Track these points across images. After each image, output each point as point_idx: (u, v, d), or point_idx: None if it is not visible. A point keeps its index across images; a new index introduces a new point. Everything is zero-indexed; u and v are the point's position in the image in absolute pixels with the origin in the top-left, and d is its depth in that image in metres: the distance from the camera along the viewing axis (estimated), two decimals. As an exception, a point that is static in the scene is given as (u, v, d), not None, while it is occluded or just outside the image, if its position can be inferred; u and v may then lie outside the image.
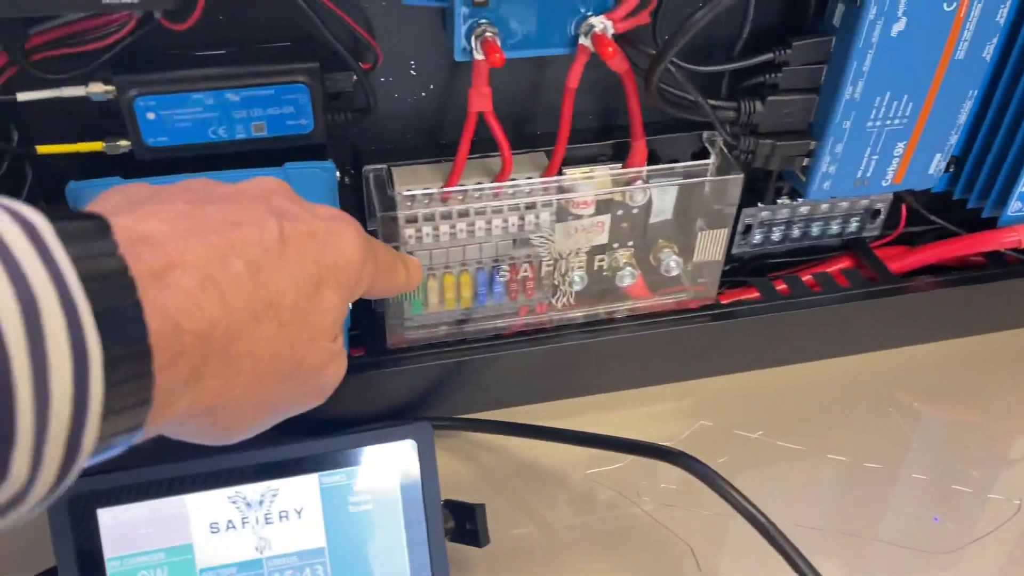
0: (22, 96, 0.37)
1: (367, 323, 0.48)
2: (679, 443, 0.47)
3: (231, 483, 0.35)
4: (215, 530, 0.35)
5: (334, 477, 0.36)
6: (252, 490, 0.35)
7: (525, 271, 0.46)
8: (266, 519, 0.35)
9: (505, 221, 0.44)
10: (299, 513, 0.36)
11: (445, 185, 0.43)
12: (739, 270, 0.55)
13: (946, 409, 0.52)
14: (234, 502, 0.35)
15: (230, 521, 0.35)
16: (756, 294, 0.52)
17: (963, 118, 0.46)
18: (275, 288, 0.26)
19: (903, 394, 0.52)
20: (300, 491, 0.35)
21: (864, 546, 0.43)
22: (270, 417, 0.29)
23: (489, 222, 0.44)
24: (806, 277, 0.54)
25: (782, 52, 0.43)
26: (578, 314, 0.49)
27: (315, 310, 0.27)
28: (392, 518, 0.36)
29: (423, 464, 0.36)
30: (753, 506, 0.37)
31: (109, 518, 0.34)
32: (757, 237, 0.53)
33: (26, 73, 0.36)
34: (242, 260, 0.25)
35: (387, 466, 0.36)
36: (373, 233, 0.44)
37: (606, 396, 0.50)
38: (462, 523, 0.38)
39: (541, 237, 0.45)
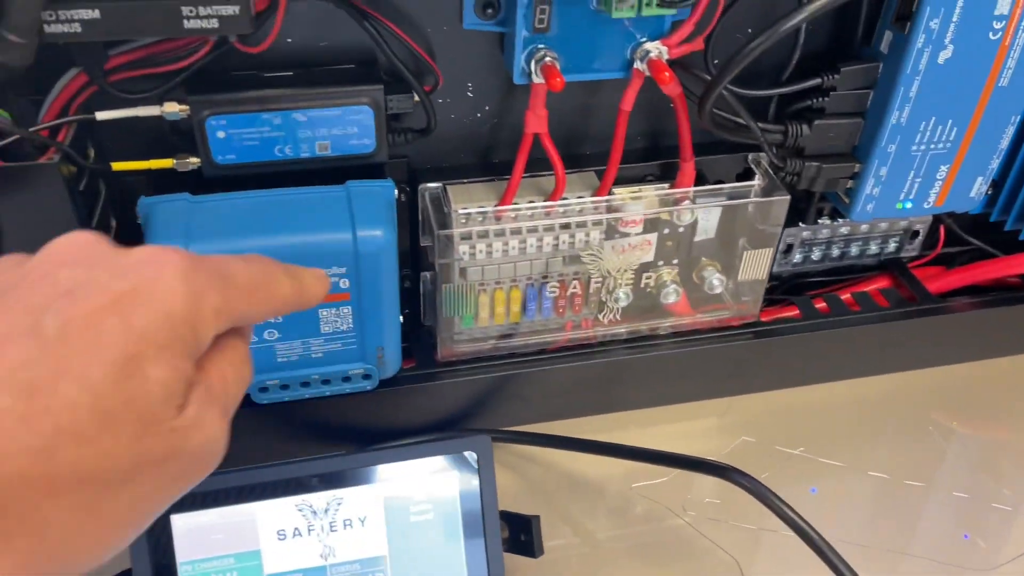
0: (101, 115, 0.38)
1: (416, 336, 0.49)
2: (722, 458, 0.48)
3: (298, 492, 0.36)
4: (282, 537, 0.36)
5: (396, 487, 0.37)
6: (318, 499, 0.36)
7: (574, 287, 0.47)
8: (331, 527, 0.36)
9: (556, 238, 0.45)
10: (362, 522, 0.37)
11: (499, 203, 0.44)
12: (778, 288, 0.56)
13: (982, 428, 0.53)
14: (300, 510, 0.36)
15: (296, 529, 0.36)
16: (796, 312, 0.53)
17: (1005, 143, 0.47)
18: (63, 403, 0.21)
19: (940, 413, 0.53)
20: (364, 500, 0.37)
21: (904, 562, 0.44)
22: (128, 531, 0.24)
23: (540, 239, 0.45)
24: (845, 296, 0.55)
25: (830, 77, 0.44)
26: (622, 330, 0.50)
27: (134, 397, 0.22)
28: (451, 527, 0.37)
29: (482, 475, 0.37)
30: (803, 520, 0.38)
31: (182, 524, 0.35)
32: (797, 256, 0.54)
33: (102, 92, 0.38)
34: (6, 392, 0.21)
35: (448, 477, 0.37)
36: (427, 249, 0.45)
37: (648, 411, 0.51)
38: (517, 534, 0.39)
39: (590, 254, 0.46)
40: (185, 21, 0.34)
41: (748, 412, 0.51)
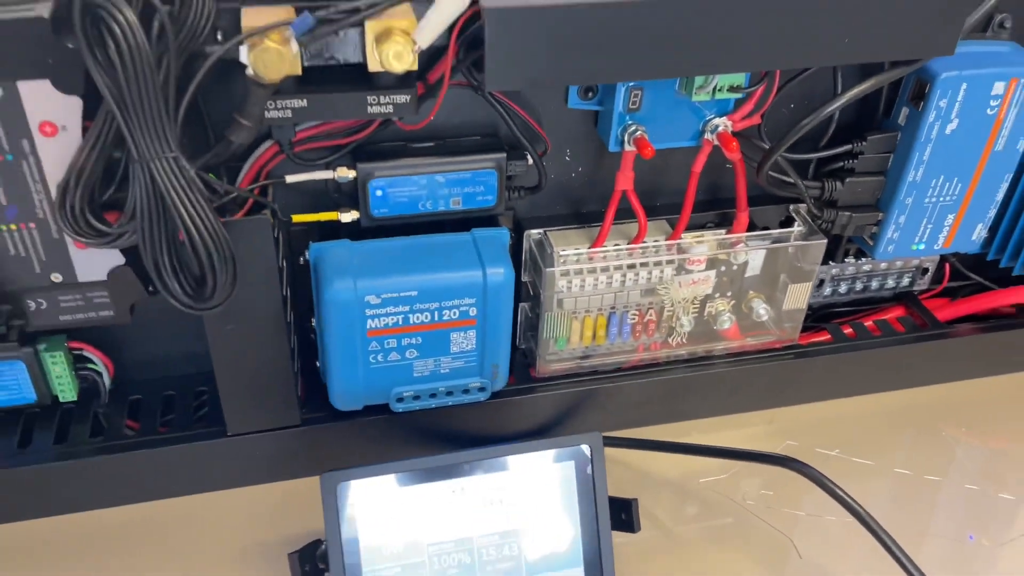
0: (290, 179, 0.48)
1: (514, 358, 0.58)
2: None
3: (451, 476, 0.45)
4: (439, 511, 0.45)
5: (527, 475, 0.46)
6: (467, 483, 0.45)
7: (649, 315, 0.57)
8: (476, 505, 0.46)
9: (636, 275, 0.55)
10: (501, 502, 0.46)
11: (592, 246, 0.54)
12: (811, 316, 0.65)
13: (985, 437, 0.62)
14: (455, 490, 0.45)
15: (451, 505, 0.45)
16: (828, 336, 0.63)
17: (1000, 195, 0.57)
18: None
19: (949, 422, 0.62)
20: (501, 485, 0.46)
21: (927, 542, 0.53)
22: None
23: (624, 275, 0.55)
24: (868, 323, 0.65)
25: (859, 143, 0.54)
26: (684, 352, 0.60)
27: None
28: (570, 507, 0.47)
29: (595, 464, 0.47)
30: (854, 500, 0.47)
31: (364, 500, 0.44)
32: (827, 290, 0.64)
33: (288, 160, 0.48)
34: None
35: (567, 466, 0.47)
36: (528, 284, 0.55)
37: (706, 420, 0.61)
38: (619, 514, 0.48)
39: (663, 287, 0.56)
40: (369, 107, 0.44)
41: (790, 421, 0.61)
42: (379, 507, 0.45)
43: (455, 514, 0.46)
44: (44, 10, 0.39)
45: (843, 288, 0.64)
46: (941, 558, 0.52)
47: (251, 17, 0.41)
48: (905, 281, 0.65)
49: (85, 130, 0.42)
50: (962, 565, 0.52)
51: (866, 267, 0.63)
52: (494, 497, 0.46)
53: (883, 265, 0.64)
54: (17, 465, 0.50)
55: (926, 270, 0.65)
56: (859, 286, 0.65)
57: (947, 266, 0.65)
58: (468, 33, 0.43)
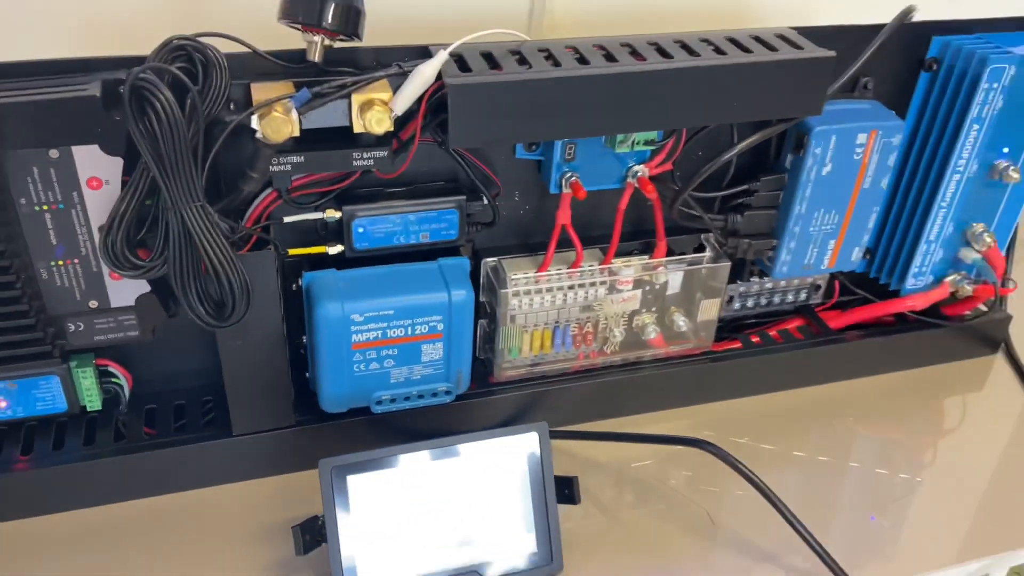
0: (287, 219, 0.58)
1: (475, 366, 0.68)
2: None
3: (424, 460, 0.55)
4: (415, 488, 0.55)
5: (488, 457, 0.56)
6: (439, 465, 0.55)
7: (587, 328, 0.68)
8: (445, 482, 0.56)
9: (575, 294, 0.66)
10: (465, 480, 0.56)
11: (538, 271, 0.65)
12: (724, 328, 0.77)
13: (873, 426, 0.74)
14: (428, 471, 0.55)
15: (425, 483, 0.55)
16: (739, 344, 0.74)
17: (871, 224, 0.70)
18: None
19: (841, 414, 0.74)
20: (467, 465, 0.56)
21: (820, 514, 0.65)
22: None
23: (565, 295, 0.66)
24: (773, 332, 0.76)
25: (754, 183, 0.66)
26: (618, 358, 0.71)
27: None
28: (523, 483, 0.57)
29: (543, 448, 0.57)
30: (756, 476, 0.58)
31: (355, 481, 0.54)
32: (736, 304, 0.76)
33: (285, 203, 0.58)
34: None
35: (520, 450, 0.57)
36: (484, 303, 0.66)
37: (637, 416, 0.72)
38: (563, 490, 0.59)
39: (597, 304, 0.67)
40: (354, 161, 0.55)
41: (707, 416, 0.72)
42: (367, 486, 0.54)
43: (428, 491, 0.56)
44: (95, 89, 0.48)
45: (750, 303, 0.76)
46: (826, 520, 0.63)
47: (259, 92, 0.52)
48: (803, 296, 0.77)
49: (123, 183, 0.52)
50: (843, 531, 0.63)
51: (768, 285, 0.75)
52: (460, 477, 0.56)
53: (782, 283, 0.75)
54: (51, 465, 0.59)
55: (819, 287, 0.77)
56: (764, 301, 0.76)
57: (837, 283, 0.77)
58: (434, 100, 0.54)
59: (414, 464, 0.55)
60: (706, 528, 0.62)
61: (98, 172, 0.51)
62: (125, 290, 0.56)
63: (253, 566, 0.58)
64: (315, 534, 0.55)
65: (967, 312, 0.79)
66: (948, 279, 0.75)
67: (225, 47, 0.51)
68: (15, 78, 0.49)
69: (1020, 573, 0.98)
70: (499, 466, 0.57)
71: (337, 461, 0.54)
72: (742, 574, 0.59)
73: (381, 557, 0.54)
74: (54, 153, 0.50)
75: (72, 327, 0.56)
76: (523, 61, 0.55)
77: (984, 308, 0.79)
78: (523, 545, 0.57)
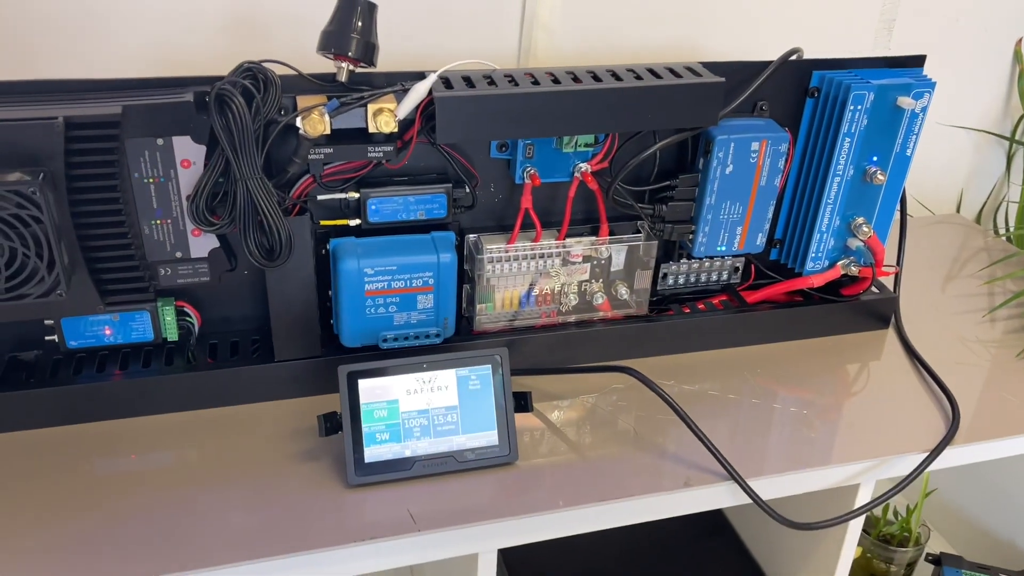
0: (320, 197, 0.79)
1: (460, 322, 0.88)
2: (629, 384, 0.87)
3: (416, 371, 0.75)
4: (409, 393, 0.75)
5: (463, 371, 0.76)
6: (426, 376, 0.75)
7: (546, 292, 0.88)
8: (431, 389, 0.75)
9: (537, 263, 0.86)
10: (446, 388, 0.76)
11: (508, 244, 0.85)
12: (661, 301, 0.96)
13: (773, 380, 0.92)
14: (418, 380, 0.75)
15: (416, 389, 0.75)
16: (672, 312, 0.94)
17: (770, 214, 0.89)
18: None
19: (752, 369, 0.93)
20: (447, 378, 0.76)
21: (723, 431, 0.83)
22: None
23: (529, 264, 0.86)
24: (700, 305, 0.96)
25: (675, 180, 0.86)
26: (572, 318, 0.90)
27: None
28: (487, 393, 0.76)
29: (503, 367, 0.77)
30: (669, 397, 0.77)
31: (364, 384, 0.74)
32: (670, 281, 0.95)
33: (319, 186, 0.79)
34: None
35: (487, 367, 0.77)
36: (467, 270, 0.86)
37: (587, 365, 0.91)
38: (519, 401, 0.78)
39: (554, 273, 0.87)
40: (368, 153, 0.76)
41: (643, 366, 0.91)
42: (373, 388, 0.74)
43: (419, 395, 0.75)
44: (189, 96, 0.70)
45: (681, 280, 0.95)
46: (728, 435, 0.82)
47: (303, 101, 0.73)
48: (725, 276, 0.97)
49: (205, 164, 0.73)
50: (740, 444, 0.82)
51: (695, 265, 0.95)
52: (442, 385, 0.76)
53: (707, 263, 0.95)
54: (140, 377, 0.79)
55: (738, 268, 0.97)
56: (693, 279, 0.96)
57: (752, 266, 0.97)
58: (428, 111, 0.75)
59: (409, 373, 0.75)
60: (630, 437, 0.81)
61: (189, 156, 0.72)
62: (201, 245, 0.77)
63: (288, 453, 0.77)
64: (334, 424, 0.74)
65: (861, 292, 0.97)
66: (840, 263, 0.94)
67: (280, 71, 0.72)
68: (133, 89, 0.71)
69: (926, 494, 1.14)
70: (472, 379, 0.76)
71: (351, 367, 0.74)
72: (655, 470, 0.78)
73: (382, 442, 0.74)
74: (160, 141, 0.71)
75: (163, 271, 0.77)
76: (492, 83, 0.76)
77: (876, 290, 0.98)
78: (488, 440, 0.76)
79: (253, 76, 0.70)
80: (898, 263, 1.00)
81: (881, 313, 0.99)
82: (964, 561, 1.10)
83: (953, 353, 0.97)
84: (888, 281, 1.01)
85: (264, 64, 0.71)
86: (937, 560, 1.09)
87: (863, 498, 0.84)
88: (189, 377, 0.80)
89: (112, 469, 0.75)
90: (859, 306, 0.98)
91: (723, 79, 0.79)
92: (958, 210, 1.42)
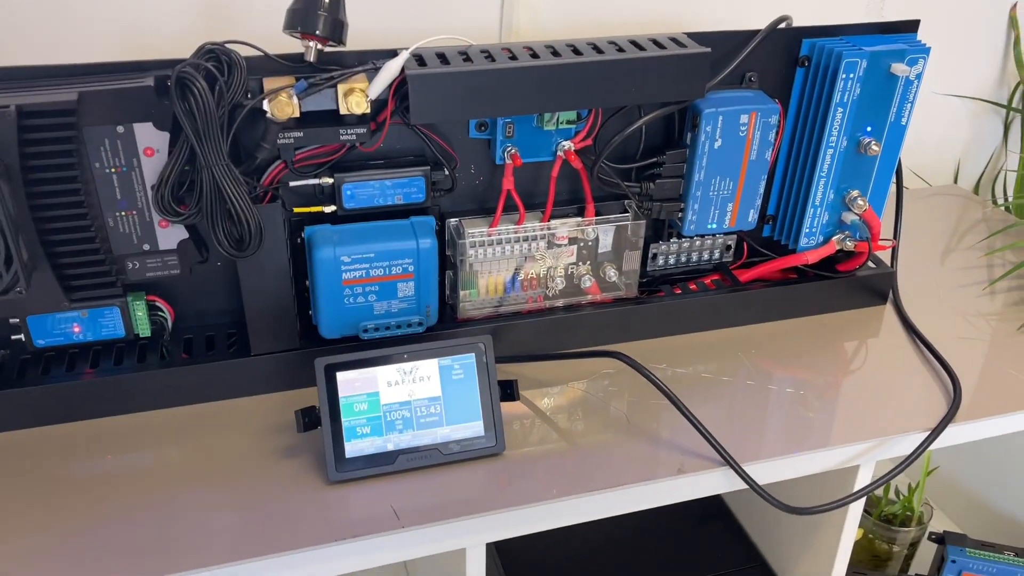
0: (292, 183, 0.76)
1: (444, 311, 0.85)
2: (618, 372, 0.85)
3: (397, 362, 0.72)
4: (390, 384, 0.72)
5: (446, 360, 0.73)
6: (407, 366, 0.72)
7: (532, 275, 0.85)
8: (412, 380, 0.73)
9: (521, 247, 0.83)
10: (428, 378, 0.73)
11: (491, 227, 0.82)
12: (652, 282, 0.93)
13: (769, 360, 0.90)
14: (399, 371, 0.72)
15: (397, 381, 0.72)
16: (662, 294, 0.91)
17: (761, 189, 0.86)
18: None
19: (745, 349, 0.90)
20: (429, 368, 0.73)
21: (717, 415, 0.80)
22: None
23: (512, 247, 0.83)
24: (692, 285, 0.93)
25: (662, 156, 0.83)
26: (560, 303, 0.87)
27: None
28: (472, 383, 0.74)
29: (487, 356, 0.74)
30: (661, 381, 0.75)
31: (342, 377, 0.71)
32: (660, 261, 0.92)
33: (291, 172, 0.75)
34: None
35: (470, 356, 0.74)
36: (450, 256, 0.83)
37: (576, 351, 0.88)
38: (506, 390, 0.75)
39: (540, 256, 0.84)
40: (340, 135, 0.73)
41: (633, 349, 0.88)
42: (352, 380, 0.71)
43: (401, 386, 0.72)
44: (150, 81, 0.67)
45: (672, 260, 0.93)
46: (721, 419, 0.79)
47: (270, 83, 0.70)
48: (716, 255, 0.94)
49: (169, 152, 0.70)
50: (734, 428, 0.79)
51: (685, 244, 0.92)
52: (424, 375, 0.73)
53: (697, 242, 0.92)
54: (112, 375, 0.77)
55: (729, 247, 0.94)
56: (683, 259, 0.93)
57: (745, 244, 0.94)
58: (402, 90, 0.72)
59: (389, 364, 0.72)
60: (621, 425, 0.78)
61: (152, 143, 0.69)
62: (169, 236, 0.74)
63: (265, 450, 0.74)
64: (312, 418, 0.71)
65: (858, 267, 0.95)
66: (835, 238, 0.91)
67: (245, 52, 0.69)
68: (92, 75, 0.68)
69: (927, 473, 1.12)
70: (456, 368, 0.74)
71: (328, 360, 0.71)
72: (649, 457, 0.75)
73: (363, 436, 0.71)
74: (120, 128, 0.68)
75: (130, 265, 0.74)
76: (468, 59, 0.73)
77: (873, 265, 0.95)
78: (474, 431, 0.73)
79: (216, 58, 0.67)
80: (894, 236, 0.97)
81: (878, 288, 0.96)
82: (968, 539, 1.07)
83: (953, 328, 0.94)
84: (885, 256, 0.98)
85: (228, 45, 0.67)
86: (940, 539, 1.07)
87: (863, 480, 0.82)
88: (163, 374, 0.78)
89: (87, 472, 0.72)
90: (855, 282, 0.95)
91: (709, 49, 0.76)
92: (955, 181, 1.39)
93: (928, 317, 0.95)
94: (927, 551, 1.13)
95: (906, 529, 1.10)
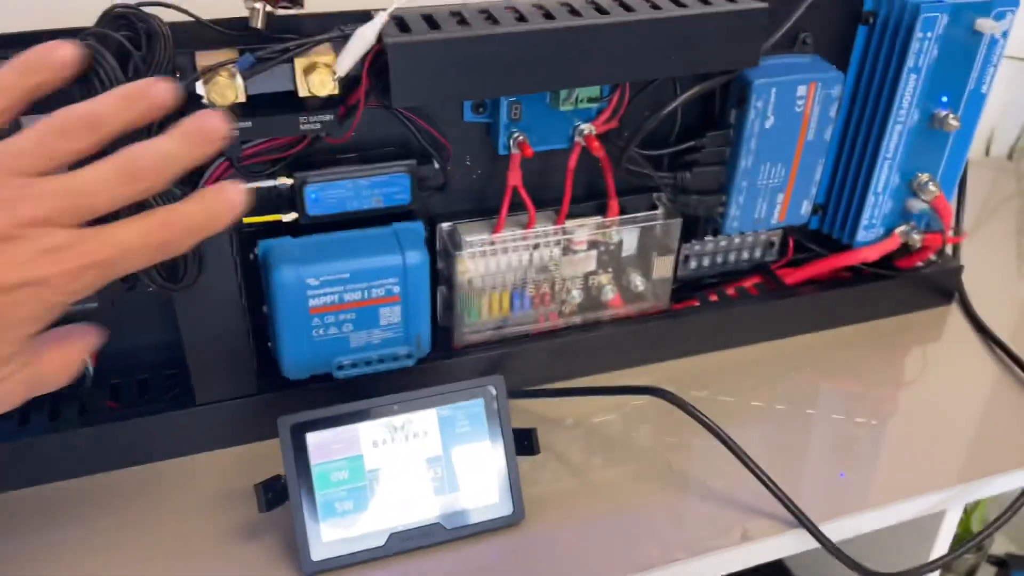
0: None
1: (437, 334, 0.69)
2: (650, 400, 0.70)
3: (384, 416, 0.56)
4: (375, 444, 0.56)
5: (446, 410, 0.57)
6: (398, 420, 0.57)
7: (544, 289, 0.69)
8: (405, 438, 0.57)
9: (530, 255, 0.67)
10: (425, 434, 0.57)
11: (493, 233, 0.66)
12: (683, 288, 0.78)
13: (832, 378, 0.75)
14: (387, 428, 0.56)
15: (385, 440, 0.56)
16: (696, 303, 0.76)
17: (818, 175, 0.71)
18: None
19: (797, 365, 0.75)
20: (426, 420, 0.57)
21: (776, 457, 0.66)
22: None
23: (520, 256, 0.67)
24: (730, 291, 0.78)
25: (701, 140, 0.68)
26: (577, 319, 0.72)
27: None
28: (481, 437, 0.58)
29: (499, 401, 0.58)
30: (710, 420, 0.59)
31: (312, 439, 0.55)
32: (693, 264, 0.77)
33: (237, 172, 0.59)
34: None
35: (478, 404, 0.58)
36: (442, 270, 0.67)
37: (599, 375, 0.73)
38: (522, 441, 0.60)
39: (553, 265, 0.68)
40: (301, 125, 0.56)
41: (665, 373, 0.73)
42: (327, 443, 0.55)
43: (391, 445, 0.57)
44: (41, 59, 0.49)
45: (706, 262, 0.77)
46: (782, 463, 0.65)
47: (204, 59, 0.53)
48: (757, 254, 0.79)
49: (73, 153, 0.53)
50: (800, 474, 0.65)
51: (723, 243, 0.77)
52: (420, 431, 0.57)
53: (736, 240, 0.77)
54: (17, 439, 0.60)
55: (773, 243, 0.79)
56: (720, 260, 0.78)
57: (790, 240, 0.79)
58: (377, 64, 0.55)
59: (375, 420, 0.56)
60: (666, 475, 0.63)
61: (47, 142, 0.52)
62: (81, 262, 0.56)
63: (219, 530, 0.58)
64: (277, 492, 0.55)
65: (920, 263, 0.80)
66: (898, 230, 0.77)
67: (168, 16, 0.52)
68: (-39, 52, 0.50)
69: (981, 518, 1.00)
70: (460, 419, 0.58)
71: (295, 419, 0.55)
72: (702, 519, 0.60)
73: (344, 514, 0.55)
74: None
75: (30, 300, 0.57)
76: (463, 22, 0.56)
77: (935, 259, 0.81)
78: (485, 497, 0.58)
79: (130, 26, 0.50)
80: (956, 226, 0.83)
81: (944, 286, 0.82)
82: (1031, 561, 0.95)
83: (1029, 328, 0.81)
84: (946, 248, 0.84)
85: (144, 8, 0.50)
86: (1002, 562, 0.95)
87: (948, 528, 0.68)
88: (84, 433, 0.61)
89: (-15, 566, 0.56)
90: (920, 280, 0.81)
91: (766, 4, 0.60)
92: (987, 153, 1.25)
93: (1000, 317, 0.81)
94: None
95: (965, 555, 0.97)
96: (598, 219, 0.69)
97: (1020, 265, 0.91)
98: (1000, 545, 1.09)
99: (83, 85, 0.48)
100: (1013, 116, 1.24)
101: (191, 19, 0.53)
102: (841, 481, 0.64)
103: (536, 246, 0.67)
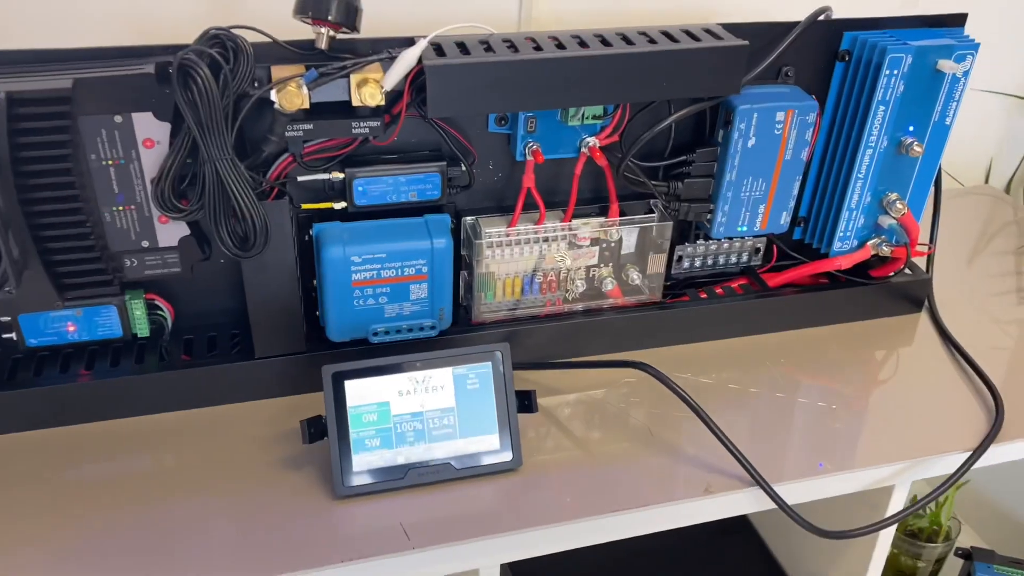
0: (301, 178, 0.71)
1: (458, 312, 0.81)
2: (640, 382, 0.80)
3: (408, 370, 0.68)
4: (401, 394, 0.68)
5: (460, 369, 0.69)
6: (420, 375, 0.68)
7: (551, 278, 0.80)
8: (425, 390, 0.68)
9: (540, 248, 0.78)
10: (442, 388, 0.69)
11: (509, 227, 0.77)
12: (676, 286, 0.89)
13: (796, 370, 0.85)
14: (411, 380, 0.68)
15: (409, 390, 0.68)
16: (687, 298, 0.86)
17: (796, 191, 0.82)
18: None
19: (774, 357, 0.85)
20: (443, 377, 0.69)
21: (744, 430, 0.76)
22: None
23: (531, 248, 0.78)
24: (718, 289, 0.88)
25: (692, 155, 0.79)
26: (579, 307, 0.83)
27: None
28: (487, 394, 0.69)
29: (504, 364, 0.70)
30: (685, 392, 0.70)
31: (350, 386, 0.67)
32: (685, 264, 0.88)
33: (300, 166, 0.71)
34: None
35: (486, 365, 0.69)
36: (465, 256, 0.78)
37: (596, 356, 0.84)
38: (523, 400, 0.71)
39: (560, 258, 0.79)
40: (353, 129, 0.68)
41: (657, 356, 0.84)
42: (361, 389, 0.67)
43: (412, 396, 0.68)
44: (150, 68, 0.63)
45: (698, 263, 0.88)
46: (748, 434, 0.75)
47: (278, 72, 0.66)
48: (744, 258, 0.89)
49: (170, 144, 0.66)
50: (761, 442, 0.75)
51: (713, 246, 0.87)
52: (438, 385, 0.69)
53: (725, 244, 0.88)
54: (109, 378, 0.73)
55: (759, 250, 0.89)
56: (711, 262, 0.88)
57: (774, 247, 0.89)
58: (418, 82, 0.68)
59: (401, 373, 0.68)
60: (645, 439, 0.74)
61: (152, 134, 0.65)
62: (170, 232, 0.69)
63: (269, 460, 0.70)
64: (319, 428, 0.67)
65: (891, 273, 0.90)
66: (870, 242, 0.87)
67: (252, 37, 0.64)
68: (89, 61, 0.63)
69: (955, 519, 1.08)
70: (471, 378, 0.69)
71: (336, 368, 0.67)
72: (673, 474, 0.71)
73: (372, 449, 0.67)
74: (118, 118, 0.63)
75: (128, 263, 0.70)
76: (489, 49, 0.68)
77: (908, 271, 0.91)
78: (490, 444, 0.69)
79: (221, 44, 0.63)
80: (931, 241, 0.93)
81: (913, 296, 0.92)
82: (996, 556, 1.03)
83: (990, 338, 0.90)
84: (919, 262, 0.93)
85: (233, 31, 0.63)
86: (968, 555, 1.03)
87: (897, 501, 0.78)
88: (162, 377, 0.74)
89: (79, 478, 0.68)
90: (890, 289, 0.90)
91: (747, 42, 0.71)
92: (987, 180, 1.34)
93: (964, 326, 0.90)
94: (953, 567, 1.08)
95: (932, 544, 1.06)
96: (600, 219, 0.80)
97: (991, 282, 1.00)
98: (969, 539, 1.17)
99: (185, 89, 0.61)
100: (1009, 149, 1.33)
101: (269, 40, 0.66)
102: (799, 451, 0.74)
103: (546, 240, 0.78)
